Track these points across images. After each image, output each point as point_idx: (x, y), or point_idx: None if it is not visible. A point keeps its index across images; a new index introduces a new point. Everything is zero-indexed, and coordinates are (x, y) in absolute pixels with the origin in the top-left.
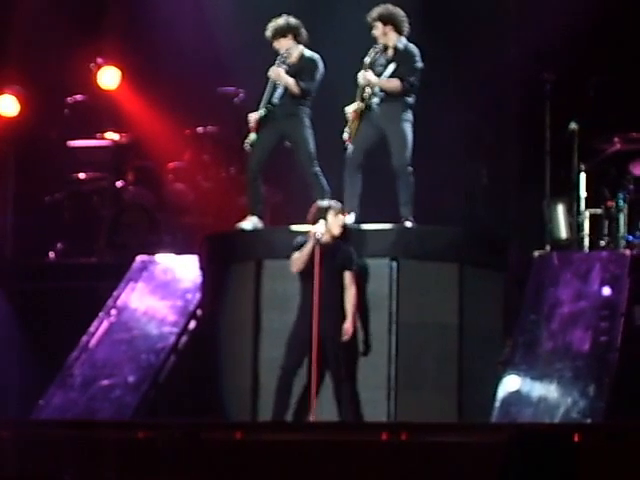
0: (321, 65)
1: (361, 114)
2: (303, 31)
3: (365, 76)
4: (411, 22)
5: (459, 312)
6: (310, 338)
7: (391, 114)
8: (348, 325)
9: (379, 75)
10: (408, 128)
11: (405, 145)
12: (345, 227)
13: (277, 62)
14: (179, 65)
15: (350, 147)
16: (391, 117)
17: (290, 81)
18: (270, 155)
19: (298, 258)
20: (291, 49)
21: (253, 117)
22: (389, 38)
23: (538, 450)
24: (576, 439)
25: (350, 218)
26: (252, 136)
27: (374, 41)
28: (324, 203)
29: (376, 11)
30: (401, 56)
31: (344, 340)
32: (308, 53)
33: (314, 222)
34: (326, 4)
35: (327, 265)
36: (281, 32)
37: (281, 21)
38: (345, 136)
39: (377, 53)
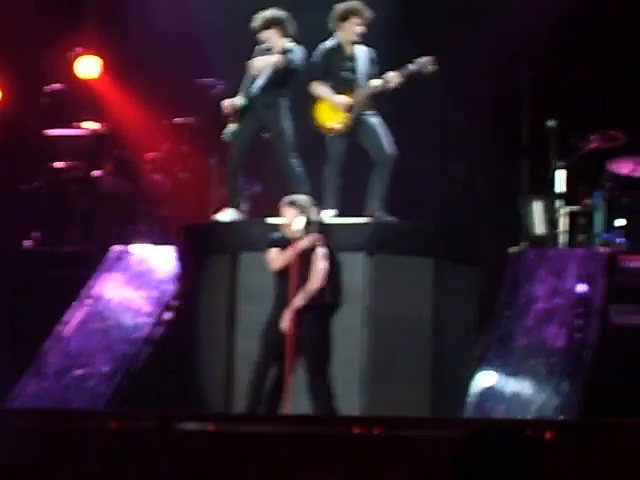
0: (303, 55)
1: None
2: (290, 24)
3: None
4: (389, 18)
5: (434, 307)
6: (285, 331)
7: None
8: (308, 288)
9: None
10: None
11: (386, 136)
12: (308, 224)
13: (258, 54)
14: (158, 55)
15: (333, 143)
16: (369, 113)
17: (274, 59)
18: (250, 147)
19: (278, 259)
20: (275, 42)
21: (227, 103)
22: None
23: (492, 447)
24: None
25: (330, 214)
26: (231, 127)
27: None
28: (290, 199)
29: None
30: None
31: (303, 303)
32: (290, 45)
33: (284, 217)
34: None
35: (302, 260)
36: (267, 24)
37: (268, 13)
38: (337, 127)
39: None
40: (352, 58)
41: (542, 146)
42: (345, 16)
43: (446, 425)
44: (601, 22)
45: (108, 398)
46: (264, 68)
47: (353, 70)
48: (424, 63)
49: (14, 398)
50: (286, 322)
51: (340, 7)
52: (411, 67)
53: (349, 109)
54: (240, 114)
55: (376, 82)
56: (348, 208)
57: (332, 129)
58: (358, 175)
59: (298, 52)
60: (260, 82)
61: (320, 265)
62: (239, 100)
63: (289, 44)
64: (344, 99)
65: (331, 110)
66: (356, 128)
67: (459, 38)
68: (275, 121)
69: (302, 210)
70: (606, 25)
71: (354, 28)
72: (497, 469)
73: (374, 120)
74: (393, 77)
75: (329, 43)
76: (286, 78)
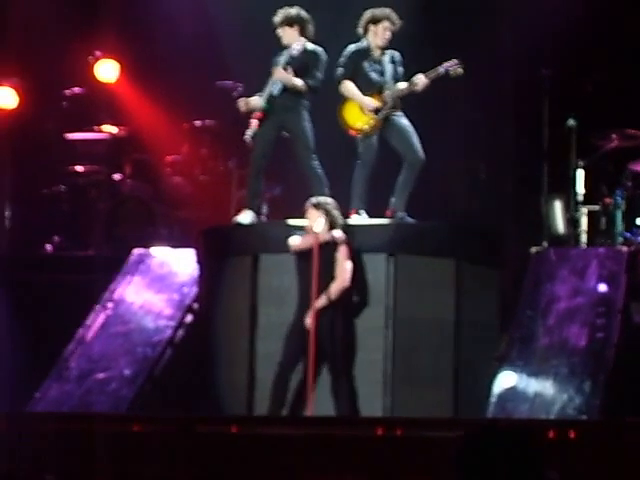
0: (324, 58)
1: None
2: (310, 26)
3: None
4: (408, 20)
5: (456, 308)
6: (307, 333)
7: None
8: (335, 288)
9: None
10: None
11: (417, 139)
12: (332, 226)
13: (282, 63)
14: (178, 58)
15: (365, 145)
16: (398, 114)
17: (298, 82)
18: (273, 148)
19: (299, 242)
20: (295, 44)
21: (243, 102)
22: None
23: (495, 445)
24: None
25: (360, 217)
26: (252, 130)
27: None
28: (314, 200)
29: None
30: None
31: (327, 303)
32: (311, 47)
33: (308, 219)
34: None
35: (324, 261)
36: (289, 21)
37: (293, 11)
38: (364, 128)
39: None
40: (380, 61)
41: (562, 146)
42: (377, 20)
43: (469, 426)
44: (620, 21)
45: (130, 401)
46: (290, 80)
47: (381, 73)
48: (451, 65)
49: (36, 402)
50: (309, 321)
51: (372, 11)
52: (439, 69)
53: (376, 111)
54: (262, 116)
55: (403, 85)
56: (371, 208)
57: (360, 130)
58: (381, 176)
59: (319, 57)
60: (280, 85)
61: (347, 264)
62: (259, 102)
63: (309, 45)
64: (372, 101)
65: (359, 111)
66: (386, 129)
67: (478, 39)
68: (295, 123)
69: (326, 212)
70: (625, 24)
71: (384, 32)
72: (498, 467)
73: (404, 121)
74: (420, 79)
75: (358, 45)
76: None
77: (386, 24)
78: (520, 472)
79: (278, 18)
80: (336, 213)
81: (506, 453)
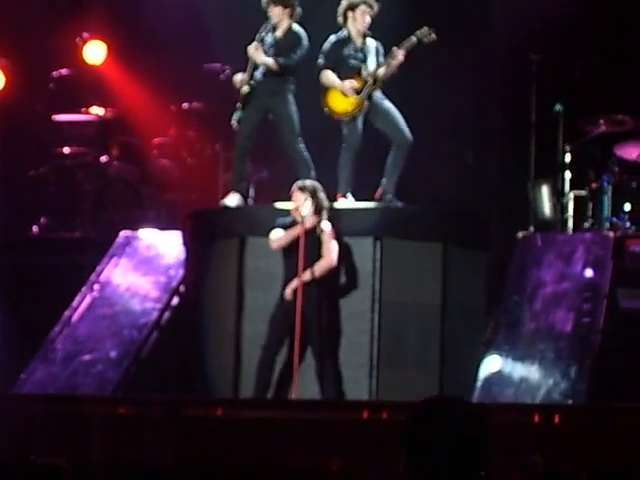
0: (305, 41)
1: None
2: (298, 8)
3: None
4: (395, 4)
5: (442, 292)
6: (293, 316)
7: (378, 94)
8: (320, 265)
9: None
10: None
11: (402, 120)
12: (318, 209)
13: (256, 40)
14: (165, 41)
15: (349, 128)
16: (380, 96)
17: (268, 60)
18: (257, 131)
19: (281, 238)
20: (281, 21)
21: (239, 78)
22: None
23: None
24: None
25: (349, 200)
26: (239, 113)
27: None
28: (300, 184)
29: None
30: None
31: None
32: (296, 28)
33: (294, 202)
34: None
35: (310, 244)
36: (280, 1)
37: None
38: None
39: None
40: (362, 49)
41: (550, 131)
42: (354, 6)
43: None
44: (608, 7)
45: (116, 383)
46: (260, 57)
47: (363, 60)
48: (424, 33)
49: (22, 384)
50: (289, 293)
51: None
52: (412, 38)
53: (357, 91)
54: (245, 100)
55: (382, 63)
56: (359, 192)
57: (344, 113)
58: (370, 159)
59: (299, 38)
60: (263, 68)
61: (333, 244)
62: (244, 87)
63: (295, 26)
64: (351, 82)
65: (341, 96)
66: (371, 113)
67: (466, 23)
68: (281, 107)
69: (312, 194)
70: (615, 9)
71: (363, 17)
72: (444, 437)
73: (387, 104)
74: (397, 51)
75: (338, 35)
76: (290, 72)
77: (363, 8)
78: (463, 447)
79: None
80: (322, 196)
81: (448, 429)
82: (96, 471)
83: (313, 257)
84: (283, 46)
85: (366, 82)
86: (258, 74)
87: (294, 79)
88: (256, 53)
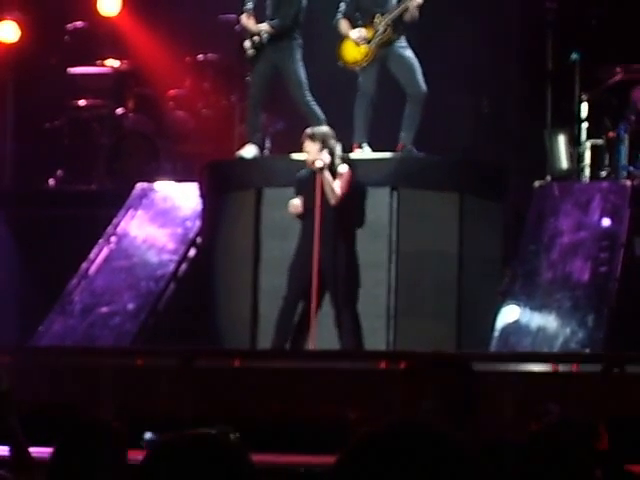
0: None
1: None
2: None
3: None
4: None
5: (459, 241)
6: (311, 266)
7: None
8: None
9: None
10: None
11: (419, 71)
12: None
13: (245, 10)
14: None
15: (364, 76)
16: (394, 45)
17: (262, 27)
18: (269, 84)
19: (297, 206)
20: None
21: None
22: None
23: (432, 375)
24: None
25: (366, 150)
26: (250, 51)
27: None
28: (310, 131)
29: None
30: None
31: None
32: None
33: (306, 151)
34: None
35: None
36: None
37: None
38: (358, 59)
39: None
40: None
41: (566, 79)
42: None
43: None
44: None
45: (133, 335)
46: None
47: (382, 6)
48: None
49: (40, 336)
50: (316, 255)
51: None
52: None
53: (368, 40)
54: (253, 56)
55: (394, 9)
56: (380, 142)
57: (354, 63)
58: (389, 109)
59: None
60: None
61: (343, 169)
62: (249, 50)
63: None
64: (361, 31)
65: (353, 45)
66: (389, 60)
67: None
68: (287, 62)
69: (323, 141)
70: None
71: None
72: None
73: (407, 53)
74: None
75: None
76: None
77: None
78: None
79: None
80: (333, 142)
81: (440, 382)
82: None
83: (328, 208)
84: (278, 5)
85: (377, 31)
86: (264, 40)
87: (299, 32)
88: (248, 22)
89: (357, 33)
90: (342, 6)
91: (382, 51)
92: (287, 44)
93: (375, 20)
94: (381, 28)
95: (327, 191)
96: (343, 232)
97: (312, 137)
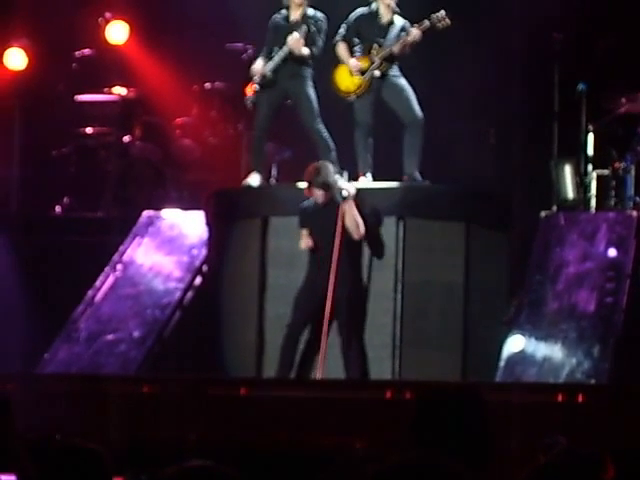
0: (326, 25)
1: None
2: None
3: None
4: None
5: (465, 271)
6: (318, 295)
7: (393, 71)
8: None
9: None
10: (406, 82)
11: (413, 98)
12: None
13: (298, 31)
14: (187, 20)
15: (359, 106)
16: (388, 74)
17: (305, 52)
18: (276, 112)
19: (308, 242)
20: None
21: (257, 70)
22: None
23: (445, 405)
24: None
25: (368, 179)
26: (251, 97)
27: None
28: (309, 181)
29: None
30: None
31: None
32: (312, 12)
33: (311, 181)
34: None
35: (327, 218)
36: None
37: None
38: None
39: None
40: (386, 27)
41: (573, 110)
42: None
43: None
44: None
45: (139, 363)
46: (302, 49)
47: (383, 37)
48: (438, 17)
49: (46, 363)
50: (331, 286)
51: None
52: (426, 22)
53: (362, 72)
54: (264, 83)
55: (392, 42)
56: (386, 171)
57: (346, 92)
58: (394, 137)
59: (320, 24)
60: (283, 53)
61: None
62: (266, 69)
63: (310, 10)
64: (358, 62)
65: (347, 73)
66: (385, 90)
67: (490, 1)
68: (300, 89)
69: (324, 185)
70: None
71: None
72: (447, 426)
73: (400, 81)
74: (412, 31)
75: (365, 9)
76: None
77: None
78: (467, 430)
79: None
80: (325, 173)
81: (454, 413)
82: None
83: (330, 231)
84: (305, 33)
85: (372, 63)
86: (277, 58)
87: (313, 62)
88: (298, 43)
89: (353, 62)
90: (342, 29)
91: (376, 82)
92: (301, 71)
93: (372, 51)
94: (377, 61)
95: (349, 224)
96: (350, 261)
97: (316, 186)
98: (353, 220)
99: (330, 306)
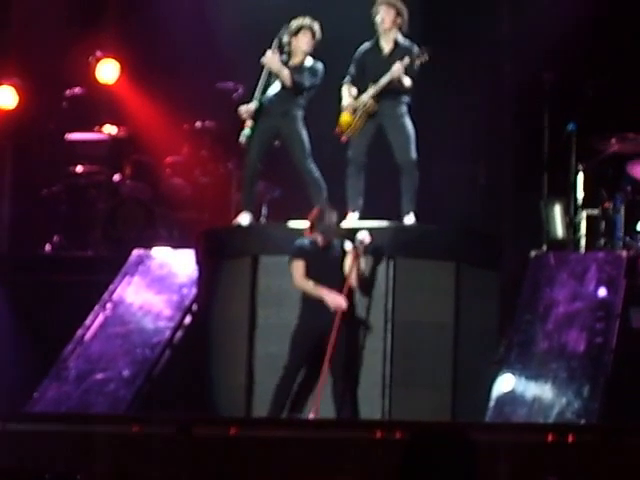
0: (320, 74)
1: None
2: (316, 32)
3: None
4: (410, 20)
5: (455, 311)
6: (318, 336)
7: (391, 109)
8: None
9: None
10: (410, 123)
11: (410, 140)
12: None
13: (273, 47)
14: (178, 59)
15: (352, 145)
16: (391, 113)
17: (284, 72)
18: (267, 150)
19: (310, 292)
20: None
21: (244, 109)
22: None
23: (434, 449)
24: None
25: (354, 217)
26: (246, 131)
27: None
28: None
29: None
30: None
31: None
32: (310, 63)
33: (315, 224)
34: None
35: (324, 263)
36: (295, 31)
37: (298, 20)
38: (343, 129)
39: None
40: (386, 60)
41: (562, 150)
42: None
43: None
44: (621, 25)
45: (129, 402)
46: (278, 64)
47: (386, 70)
48: (416, 53)
49: (35, 402)
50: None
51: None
52: (406, 59)
53: (353, 111)
54: (255, 117)
55: (382, 79)
56: (377, 210)
57: (340, 131)
58: (386, 177)
59: (315, 69)
60: (276, 87)
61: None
62: (254, 104)
63: (308, 60)
64: (351, 103)
65: (347, 113)
66: (386, 127)
67: (479, 41)
68: (291, 127)
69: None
70: (627, 28)
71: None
72: (435, 469)
73: (402, 121)
74: (395, 66)
75: (369, 43)
76: (299, 91)
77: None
78: (455, 473)
79: (285, 31)
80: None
81: (442, 456)
82: None
83: (329, 275)
84: (298, 70)
85: (363, 104)
86: (270, 93)
87: (305, 102)
88: (273, 58)
89: (347, 101)
90: (351, 69)
91: (370, 120)
92: (293, 109)
93: (368, 89)
94: (367, 100)
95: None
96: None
97: (314, 227)
98: (358, 269)
99: (333, 348)
